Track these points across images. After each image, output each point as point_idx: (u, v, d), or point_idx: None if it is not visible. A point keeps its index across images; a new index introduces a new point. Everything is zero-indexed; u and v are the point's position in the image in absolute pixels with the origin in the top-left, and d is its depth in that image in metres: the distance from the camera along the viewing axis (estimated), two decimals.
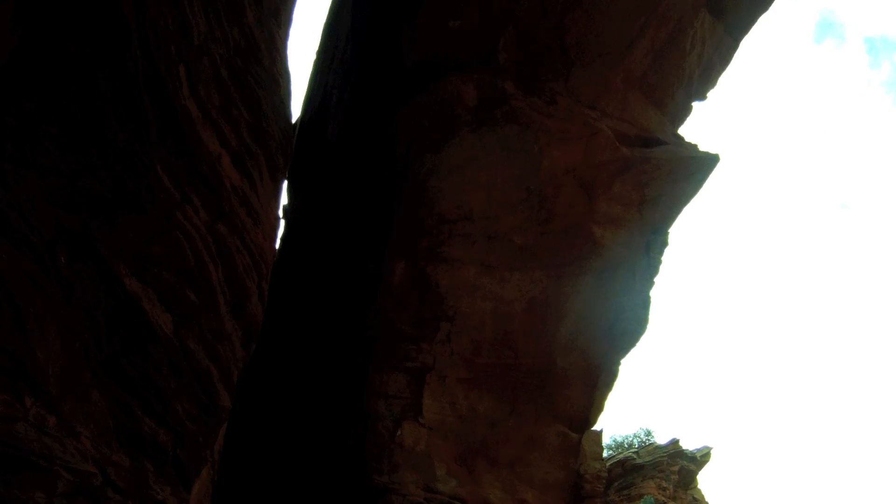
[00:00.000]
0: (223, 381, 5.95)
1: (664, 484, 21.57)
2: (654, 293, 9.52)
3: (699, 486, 23.19)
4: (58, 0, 4.72)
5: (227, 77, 6.35)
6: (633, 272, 9.26)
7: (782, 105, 48.52)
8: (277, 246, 8.69)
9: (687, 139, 9.28)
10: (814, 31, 46.72)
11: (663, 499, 21.14)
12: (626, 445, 25.61)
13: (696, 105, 9.60)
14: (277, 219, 7.32)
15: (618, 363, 9.70)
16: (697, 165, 8.97)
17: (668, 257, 9.53)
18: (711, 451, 23.67)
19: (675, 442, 23.10)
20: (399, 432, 8.87)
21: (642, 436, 26.16)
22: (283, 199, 8.47)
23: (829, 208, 48.46)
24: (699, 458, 23.09)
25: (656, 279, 9.44)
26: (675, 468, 22.24)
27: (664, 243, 9.39)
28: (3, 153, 4.39)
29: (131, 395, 4.98)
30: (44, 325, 4.32)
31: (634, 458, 22.24)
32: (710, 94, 9.62)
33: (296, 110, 8.10)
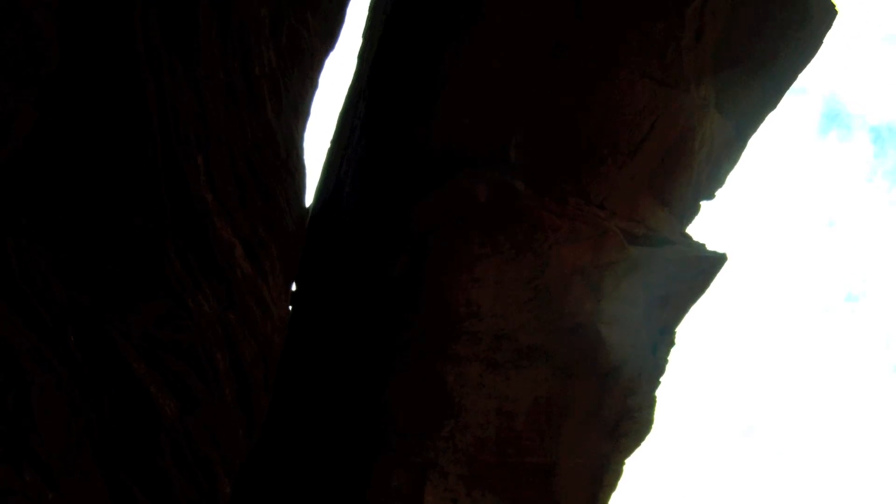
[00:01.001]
0: (225, 468, 5.95)
1: None
2: (660, 393, 9.55)
3: None
4: (81, 78, 4.88)
5: (244, 168, 6.53)
6: (640, 372, 9.30)
7: (787, 197, 48.76)
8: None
9: (695, 238, 9.46)
10: (819, 122, 47.28)
11: None
12: None
13: (704, 204, 9.82)
14: (287, 311, 7.40)
15: (622, 463, 9.64)
16: (705, 265, 9.13)
17: (675, 356, 9.59)
18: None
19: None
20: None
21: None
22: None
23: (835, 300, 48.17)
24: None
25: (662, 379, 9.48)
26: None
27: (671, 343, 9.47)
28: (19, 228, 4.50)
29: (132, 477, 4.99)
30: (49, 402, 4.37)
31: None
32: (719, 192, 9.85)
33: (309, 198, 8.29)
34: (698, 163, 9.25)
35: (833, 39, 9.36)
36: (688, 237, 9.42)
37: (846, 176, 47.20)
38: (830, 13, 9.23)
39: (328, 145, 10.36)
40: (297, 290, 9.07)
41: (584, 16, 8.54)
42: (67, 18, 4.66)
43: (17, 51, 4.16)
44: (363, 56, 10.05)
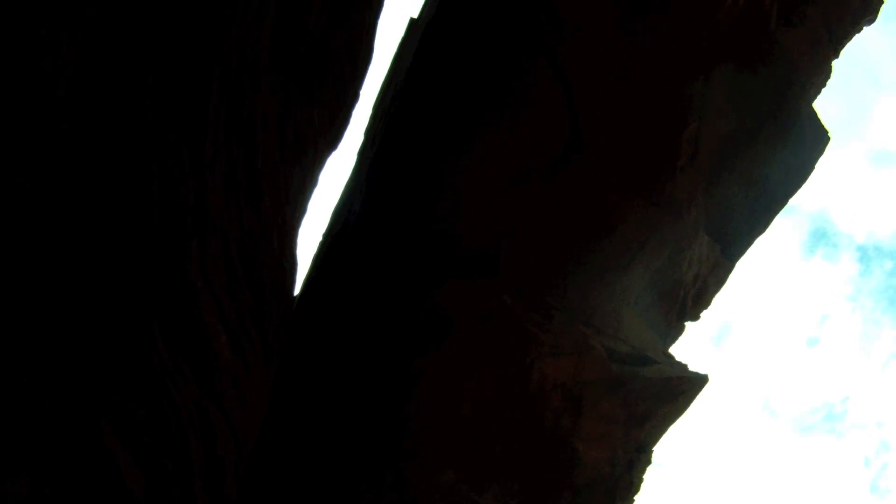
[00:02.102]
0: None
1: None
2: None
3: None
4: (86, 145, 5.08)
5: (237, 257, 6.70)
6: (614, 490, 9.30)
7: (771, 317, 49.21)
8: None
9: (677, 357, 9.62)
10: (806, 240, 47.96)
11: None
12: None
13: (688, 325, 10.03)
14: (265, 405, 7.45)
15: None
16: (686, 386, 9.27)
17: (651, 475, 9.63)
18: None
19: None
20: None
21: None
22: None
23: (815, 419, 47.85)
24: None
25: (637, 497, 9.48)
26: None
27: (648, 461, 9.51)
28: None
29: None
30: (17, 467, 4.42)
31: None
32: (704, 314, 10.07)
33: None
34: (685, 284, 9.50)
35: (824, 159, 9.81)
36: (670, 357, 9.59)
37: (830, 294, 47.75)
38: (824, 140, 9.69)
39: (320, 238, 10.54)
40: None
41: (583, 136, 8.89)
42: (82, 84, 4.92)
43: None
44: (363, 153, 10.36)
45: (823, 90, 10.13)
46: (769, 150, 9.47)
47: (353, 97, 8.25)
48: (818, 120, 9.77)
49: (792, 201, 9.91)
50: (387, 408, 8.49)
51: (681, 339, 10.09)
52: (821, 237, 48.59)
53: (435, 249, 9.02)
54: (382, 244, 9.18)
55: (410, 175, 9.22)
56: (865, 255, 48.00)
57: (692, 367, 9.50)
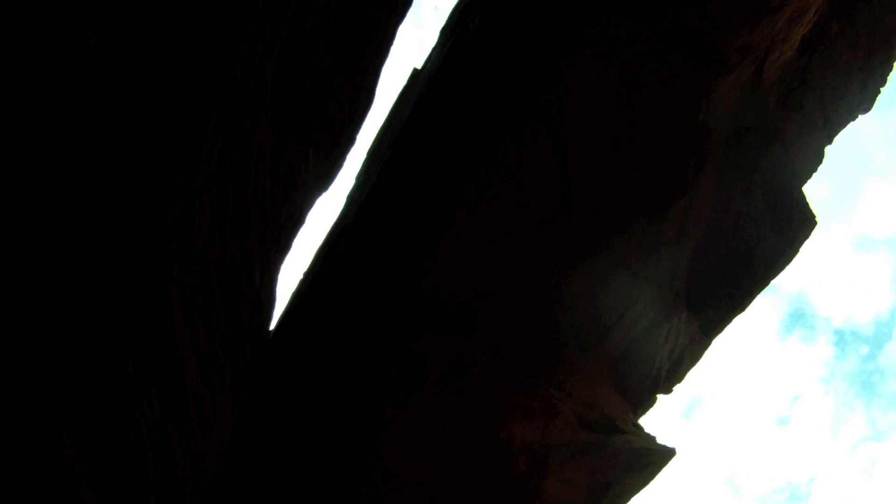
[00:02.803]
0: None
1: None
2: None
3: None
4: (80, 155, 5.23)
5: (216, 285, 6.83)
6: None
7: (743, 394, 49.37)
8: None
9: (646, 429, 9.72)
10: (784, 320, 48.40)
11: None
12: None
13: (660, 397, 10.15)
14: (228, 436, 7.52)
15: None
16: (654, 458, 9.37)
17: None
18: None
19: None
20: None
21: None
22: None
23: (780, 500, 47.65)
24: None
25: None
26: None
27: None
28: None
29: None
30: None
31: None
32: (677, 387, 10.20)
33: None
34: (661, 356, 9.65)
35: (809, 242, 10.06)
36: (639, 428, 9.69)
37: (804, 375, 48.07)
38: (811, 224, 9.93)
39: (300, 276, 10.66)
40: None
41: (574, 200, 9.09)
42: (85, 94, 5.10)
43: None
44: (352, 197, 10.53)
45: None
46: (755, 230, 9.71)
47: (349, 140, 8.45)
48: (807, 203, 10.03)
49: (774, 281, 10.12)
50: (352, 452, 8.55)
51: (651, 410, 10.21)
52: (799, 318, 49.12)
53: (415, 301, 9.15)
54: (364, 290, 9.31)
55: (398, 224, 9.39)
56: (842, 338, 48.51)
57: (660, 440, 9.61)
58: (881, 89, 11.49)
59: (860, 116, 11.33)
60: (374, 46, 7.95)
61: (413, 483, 8.58)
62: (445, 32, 10.40)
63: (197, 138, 6.16)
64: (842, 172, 43.79)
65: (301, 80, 7.04)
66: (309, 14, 6.73)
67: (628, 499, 9.58)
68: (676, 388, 10.24)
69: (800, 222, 9.86)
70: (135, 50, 5.50)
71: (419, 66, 10.80)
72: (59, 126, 4.92)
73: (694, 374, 10.35)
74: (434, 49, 10.52)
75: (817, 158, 10.81)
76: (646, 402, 10.02)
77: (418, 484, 8.60)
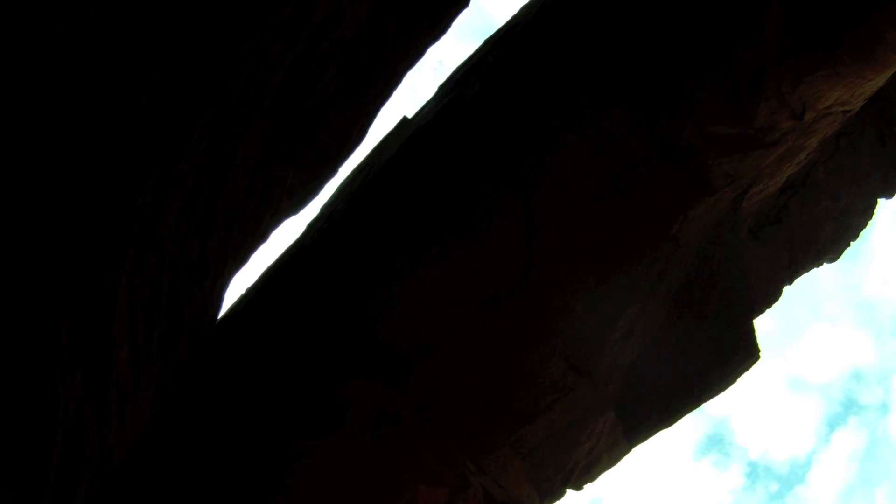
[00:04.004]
0: None
1: None
2: None
3: None
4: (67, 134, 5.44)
5: (167, 280, 7.03)
6: None
7: None
8: None
9: None
10: (701, 442, 49.29)
11: None
12: None
13: (569, 492, 10.45)
14: (140, 434, 7.62)
15: None
16: None
17: None
18: None
19: None
20: None
21: None
22: None
23: None
24: None
25: None
26: None
27: None
28: None
29: None
30: None
31: None
32: (588, 486, 10.51)
33: None
34: (578, 454, 9.99)
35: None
36: None
37: (710, 500, 48.74)
38: (754, 357, 10.44)
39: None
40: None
41: (530, 282, 9.47)
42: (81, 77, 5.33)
43: None
44: (313, 226, 10.79)
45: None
46: (700, 351, 10.17)
47: (331, 170, 8.76)
48: (755, 337, 10.52)
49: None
50: (259, 475, 8.70)
51: (557, 502, 10.48)
52: (716, 442, 50.09)
53: (354, 343, 9.41)
54: (305, 319, 9.55)
55: (353, 264, 9.67)
56: (755, 471, 49.52)
57: None
58: (851, 243, 12.14)
59: (825, 264, 11.94)
60: (379, 86, 8.32)
61: None
62: (444, 89, 10.85)
63: (186, 131, 6.40)
64: (791, 310, 45.32)
65: (301, 100, 7.35)
66: (325, 39, 7.07)
67: None
68: (587, 485, 10.56)
69: (744, 353, 10.33)
70: (142, 37, 5.75)
71: (409, 117, 11.15)
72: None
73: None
74: (429, 103, 10.93)
75: (775, 296, 11.38)
76: (554, 494, 10.30)
77: None
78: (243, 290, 10.45)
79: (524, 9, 10.79)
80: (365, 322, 9.45)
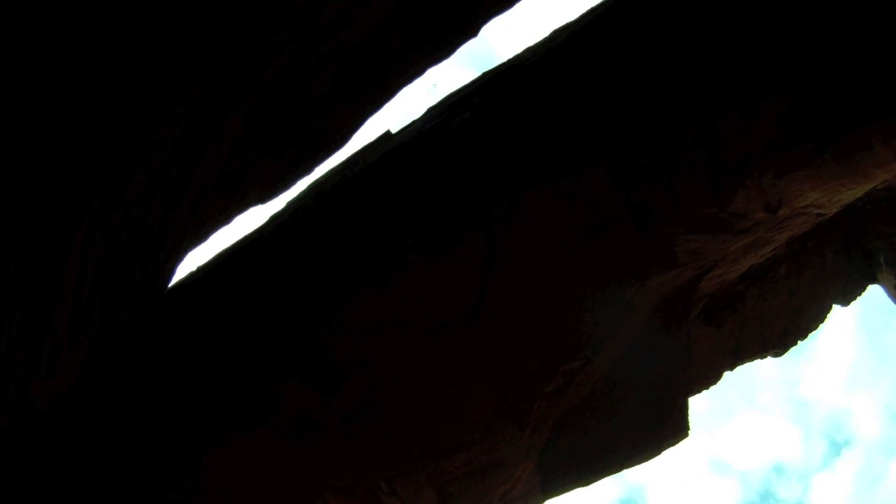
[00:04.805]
0: None
1: None
2: None
3: None
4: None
5: (124, 241, 7.18)
6: None
7: None
8: None
9: None
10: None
11: None
12: None
13: None
14: (65, 388, 7.70)
15: None
16: None
17: None
18: None
19: None
20: None
21: None
22: None
23: None
24: None
25: None
26: None
27: None
28: None
29: None
30: None
31: None
32: None
33: None
34: (492, 494, 10.20)
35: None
36: None
37: None
38: (682, 434, 10.75)
39: None
40: None
41: (479, 321, 9.73)
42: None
43: None
44: (276, 219, 10.93)
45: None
46: (631, 418, 10.46)
47: (307, 169, 8.98)
48: (686, 414, 10.85)
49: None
50: (175, 454, 8.84)
51: None
52: None
53: (296, 344, 9.58)
54: (251, 309, 9.71)
55: (309, 265, 9.87)
56: None
57: None
58: (799, 342, 12.56)
59: (769, 357, 12.35)
60: (371, 96, 8.57)
61: None
62: (433, 112, 11.13)
63: (175, 98, 6.55)
64: (727, 393, 46.28)
65: (292, 94, 7.56)
66: (329, 39, 7.31)
67: None
68: None
69: (673, 429, 10.64)
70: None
71: (393, 131, 11.42)
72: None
73: None
74: (415, 122, 11.22)
75: (714, 378, 11.76)
76: None
77: None
78: (194, 268, 10.60)
79: (527, 51, 11.14)
80: (310, 325, 9.62)
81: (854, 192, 10.17)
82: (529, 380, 9.89)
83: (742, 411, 50.34)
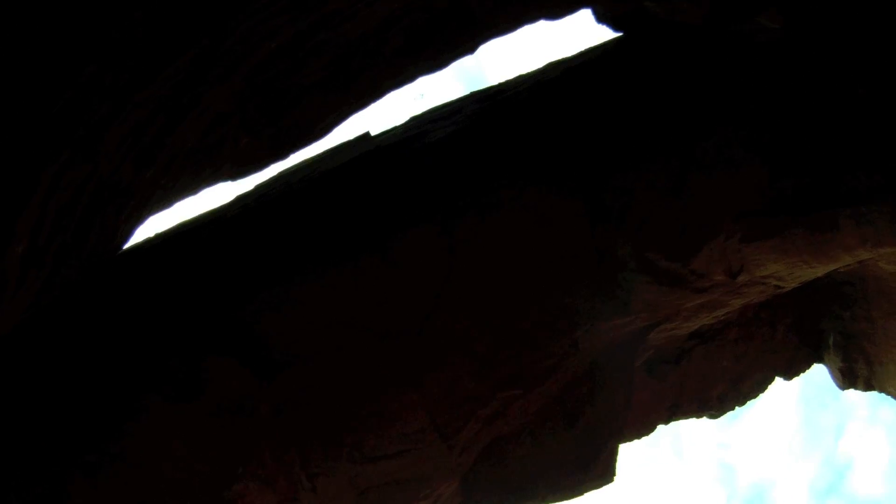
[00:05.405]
0: None
1: None
2: None
3: None
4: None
5: (89, 193, 7.24)
6: None
7: None
8: None
9: None
10: None
11: None
12: None
13: None
14: (8, 331, 7.73)
15: None
16: None
17: None
18: None
19: None
20: None
21: None
22: None
23: None
24: None
25: None
26: None
27: None
28: None
29: None
30: None
31: None
32: None
33: None
34: None
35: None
36: None
37: None
38: (608, 479, 10.97)
39: None
40: None
41: (427, 331, 9.87)
42: None
43: None
44: (242, 199, 11.05)
45: None
46: (558, 455, 10.64)
47: (283, 154, 9.11)
48: (615, 460, 11.06)
49: None
50: (102, 416, 8.86)
51: None
52: None
53: (239, 325, 9.66)
54: (201, 287, 9.80)
55: (265, 251, 9.98)
56: None
57: None
58: (737, 407, 12.87)
59: (705, 417, 12.65)
60: (358, 94, 8.73)
61: (132, 474, 8.87)
62: (415, 121, 11.36)
63: (167, 59, 6.64)
64: (657, 446, 47.10)
65: (283, 77, 7.70)
66: (329, 29, 7.47)
67: None
68: None
69: (600, 472, 10.84)
70: None
71: (373, 133, 11.61)
72: None
73: None
74: (396, 128, 11.45)
75: (648, 430, 12.03)
76: None
77: (137, 477, 8.89)
78: (152, 234, 10.67)
79: (518, 78, 11.41)
80: (257, 309, 9.71)
81: (815, 271, 10.46)
82: (466, 401, 10.03)
83: (670, 465, 51.02)
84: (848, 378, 12.75)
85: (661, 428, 12.45)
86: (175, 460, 8.92)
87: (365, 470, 9.96)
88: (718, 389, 12.58)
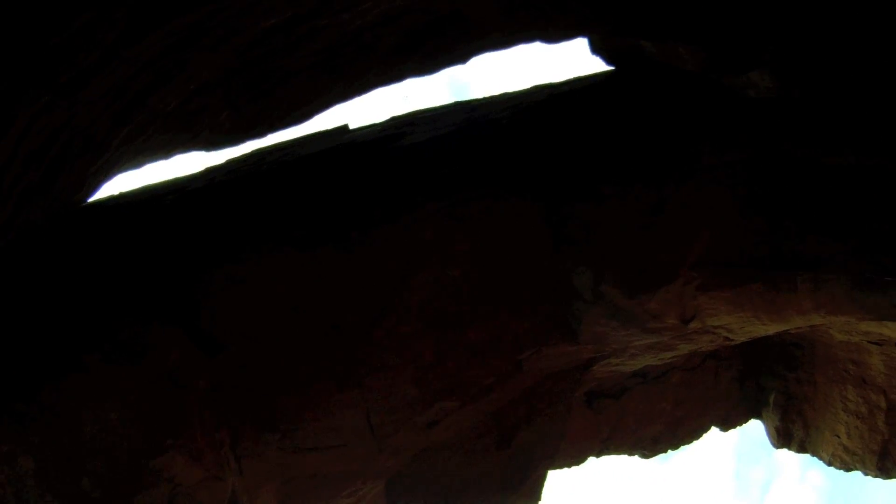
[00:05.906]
0: None
1: None
2: None
3: None
4: None
5: (63, 140, 7.26)
6: None
7: None
8: None
9: None
10: None
11: None
12: None
13: None
14: None
15: None
16: None
17: None
18: None
19: None
20: None
21: None
22: None
23: None
24: None
25: None
26: None
27: None
28: None
29: None
30: None
31: None
32: None
33: None
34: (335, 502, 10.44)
35: None
36: None
37: None
38: (534, 501, 11.20)
39: None
40: None
41: (376, 332, 10.00)
42: None
43: None
44: (210, 172, 11.16)
45: None
46: (487, 472, 10.81)
47: (260, 133, 9.21)
48: (542, 484, 11.26)
49: None
50: (37, 372, 8.86)
51: None
52: None
53: (188, 298, 9.73)
54: (156, 255, 9.86)
55: (226, 229, 10.08)
56: None
57: None
58: (669, 451, 13.14)
59: (636, 456, 12.91)
60: (346, 85, 8.86)
61: (60, 428, 8.88)
62: (394, 121, 11.60)
63: (160, 19, 6.65)
64: (585, 478, 47.89)
65: (274, 55, 7.81)
66: (328, 17, 7.59)
67: None
68: None
69: (527, 494, 11.03)
70: None
71: (351, 126, 11.78)
72: None
73: None
74: (375, 125, 11.66)
75: (579, 460, 12.27)
76: None
77: (64, 431, 8.89)
78: (116, 192, 10.70)
79: (503, 96, 11.65)
80: (208, 282, 9.79)
81: (767, 329, 10.73)
82: (403, 406, 10.15)
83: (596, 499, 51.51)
84: (783, 438, 13.07)
85: (591, 459, 12.68)
86: (106, 422, 8.94)
87: (294, 459, 10.03)
88: (654, 430, 12.84)
